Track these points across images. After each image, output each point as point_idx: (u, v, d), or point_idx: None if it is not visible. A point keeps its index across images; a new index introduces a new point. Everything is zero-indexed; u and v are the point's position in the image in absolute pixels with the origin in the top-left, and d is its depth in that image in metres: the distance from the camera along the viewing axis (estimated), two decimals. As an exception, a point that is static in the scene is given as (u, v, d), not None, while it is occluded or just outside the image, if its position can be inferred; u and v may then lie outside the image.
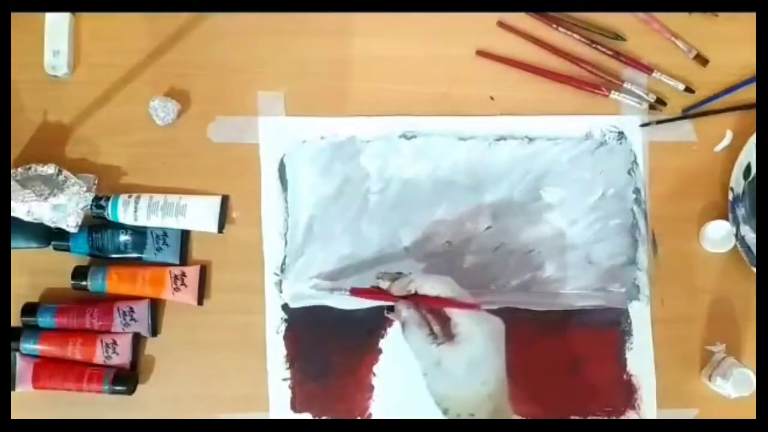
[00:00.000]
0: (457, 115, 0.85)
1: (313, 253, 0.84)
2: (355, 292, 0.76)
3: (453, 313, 0.69)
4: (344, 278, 0.83)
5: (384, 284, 0.74)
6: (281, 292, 0.83)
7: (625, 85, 0.86)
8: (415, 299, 0.71)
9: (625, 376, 0.84)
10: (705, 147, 0.86)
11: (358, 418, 0.83)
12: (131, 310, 0.81)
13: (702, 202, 0.86)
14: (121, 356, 0.80)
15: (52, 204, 0.78)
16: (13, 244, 0.80)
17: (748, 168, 0.84)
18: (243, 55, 0.85)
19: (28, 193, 0.78)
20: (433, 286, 0.70)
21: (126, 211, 0.81)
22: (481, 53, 0.86)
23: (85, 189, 0.80)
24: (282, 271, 0.83)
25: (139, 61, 0.85)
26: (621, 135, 0.86)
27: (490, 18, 0.86)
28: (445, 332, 0.70)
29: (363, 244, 0.84)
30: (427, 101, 0.85)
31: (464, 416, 0.68)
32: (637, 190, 0.85)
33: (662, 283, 0.85)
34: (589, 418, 0.83)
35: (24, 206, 0.78)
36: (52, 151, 0.83)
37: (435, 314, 0.71)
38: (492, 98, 0.86)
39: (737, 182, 0.84)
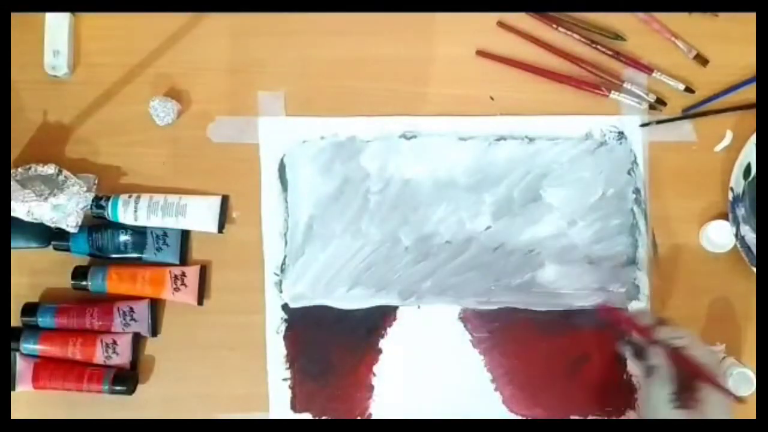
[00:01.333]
0: (457, 115, 0.85)
1: (313, 253, 0.84)
2: (608, 311, 0.74)
3: (704, 386, 0.67)
4: None
5: (645, 321, 0.72)
6: (281, 292, 0.83)
7: (625, 85, 0.86)
8: (675, 355, 0.69)
9: (625, 376, 0.84)
10: (705, 147, 0.86)
11: (358, 418, 0.83)
12: (131, 310, 0.81)
13: (702, 202, 0.86)
14: (121, 356, 0.81)
15: (52, 204, 0.78)
16: (13, 244, 0.80)
17: (748, 168, 0.84)
18: (243, 55, 0.85)
19: (28, 193, 0.78)
20: (702, 355, 0.68)
21: (126, 211, 0.81)
22: (481, 53, 0.86)
23: (85, 189, 0.80)
24: (282, 271, 0.83)
25: (139, 61, 0.85)
26: (621, 135, 0.85)
27: (490, 18, 0.86)
28: (686, 398, 0.67)
29: (363, 244, 0.84)
30: (427, 101, 0.85)
31: None
32: (637, 190, 0.85)
33: (662, 283, 0.85)
34: (589, 418, 0.83)
35: (24, 206, 0.78)
36: (52, 151, 0.83)
37: (683, 376, 0.68)
38: (492, 98, 0.86)
39: (737, 182, 0.84)
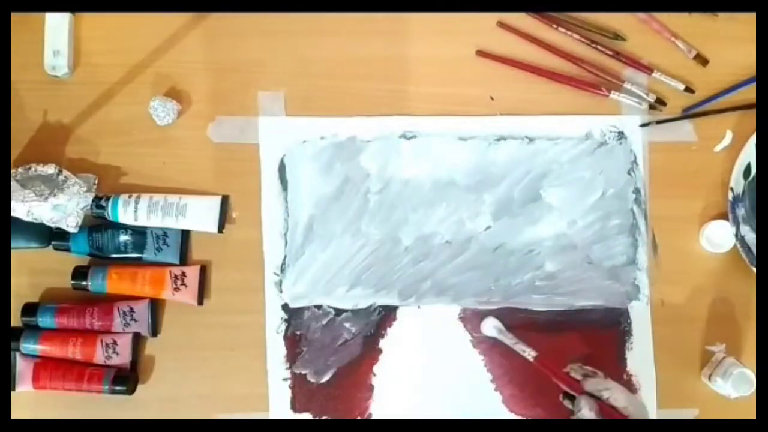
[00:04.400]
0: (457, 115, 0.85)
1: (313, 253, 0.84)
2: (542, 361, 0.75)
3: None
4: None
5: (576, 374, 0.72)
6: (281, 291, 0.83)
7: (625, 85, 0.86)
8: (602, 405, 0.69)
9: (625, 376, 0.84)
10: (705, 147, 0.86)
11: (358, 418, 0.83)
12: (131, 310, 0.81)
13: (702, 202, 0.86)
14: (121, 356, 0.80)
15: (52, 204, 0.78)
16: (13, 244, 0.80)
17: (748, 168, 0.84)
18: (243, 55, 0.85)
19: (28, 193, 0.78)
20: (625, 406, 0.69)
21: (126, 211, 0.81)
22: (481, 53, 0.86)
23: (85, 189, 0.80)
24: (282, 270, 0.83)
25: (139, 61, 0.85)
26: (621, 135, 0.86)
27: (490, 18, 0.86)
28: None
29: (363, 244, 0.84)
30: (427, 101, 0.85)
31: None
32: (637, 190, 0.85)
33: (662, 283, 0.85)
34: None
35: (24, 206, 0.78)
36: (52, 151, 0.83)
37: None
38: (492, 98, 0.86)
39: (737, 182, 0.84)
